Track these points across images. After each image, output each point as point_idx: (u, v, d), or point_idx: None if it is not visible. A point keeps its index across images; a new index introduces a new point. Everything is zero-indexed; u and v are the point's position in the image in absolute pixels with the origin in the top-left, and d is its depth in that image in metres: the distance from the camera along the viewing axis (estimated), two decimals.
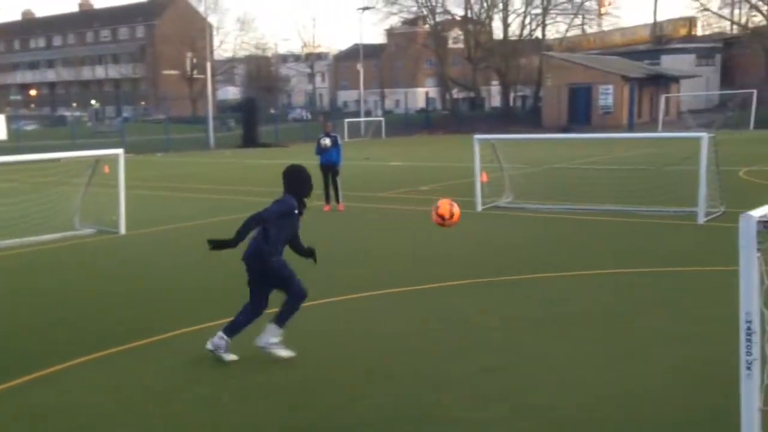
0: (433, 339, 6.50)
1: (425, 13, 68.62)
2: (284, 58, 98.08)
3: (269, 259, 5.88)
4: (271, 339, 5.92)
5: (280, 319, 5.93)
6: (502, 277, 8.75)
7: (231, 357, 5.94)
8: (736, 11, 59.80)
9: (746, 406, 3.50)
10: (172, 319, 7.10)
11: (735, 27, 59.70)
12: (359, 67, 60.76)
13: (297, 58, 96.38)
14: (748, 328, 3.48)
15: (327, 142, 14.81)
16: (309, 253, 6.23)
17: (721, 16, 59.30)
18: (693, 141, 12.98)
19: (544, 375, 5.53)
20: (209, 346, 5.96)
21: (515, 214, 13.81)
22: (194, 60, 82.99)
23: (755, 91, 43.75)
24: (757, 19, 56.85)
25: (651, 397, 5.05)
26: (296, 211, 6.00)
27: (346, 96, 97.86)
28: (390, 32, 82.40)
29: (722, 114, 46.65)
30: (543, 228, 12.32)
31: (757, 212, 3.49)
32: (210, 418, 4.94)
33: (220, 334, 5.96)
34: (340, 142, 15.23)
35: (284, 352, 5.93)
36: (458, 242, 11.30)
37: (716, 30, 64.08)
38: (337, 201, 14.93)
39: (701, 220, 11.95)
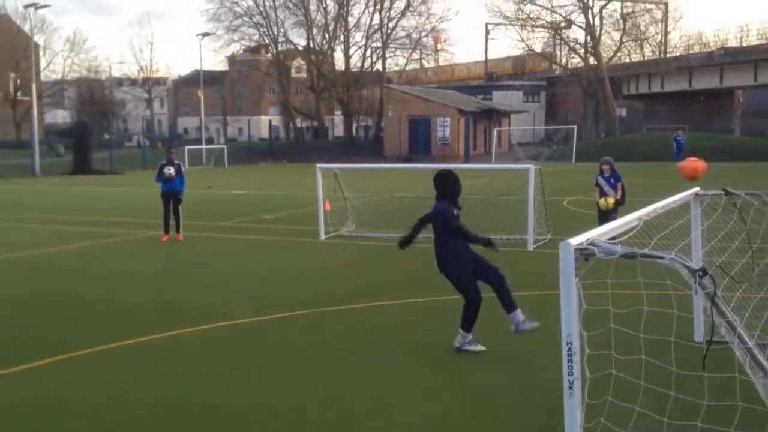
0: (266, 370, 6.39)
1: (267, 41, 68.56)
2: (119, 82, 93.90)
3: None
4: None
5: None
6: (341, 306, 8.80)
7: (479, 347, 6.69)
8: (558, 52, 64.80)
9: (569, 424, 3.72)
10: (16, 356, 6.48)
11: (557, 68, 64.65)
12: (200, 93, 59.43)
13: (133, 82, 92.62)
14: (569, 349, 3.71)
15: (171, 171, 14.26)
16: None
17: (544, 57, 64.02)
18: (522, 172, 13.84)
19: (377, 405, 5.56)
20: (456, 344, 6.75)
21: (357, 243, 14.00)
22: (18, 81, 77.38)
23: (576, 127, 47.53)
24: (576, 61, 62.02)
25: (479, 422, 5.24)
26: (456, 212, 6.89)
27: (186, 122, 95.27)
28: (232, 59, 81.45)
29: (548, 147, 50.21)
30: (382, 257, 12.56)
31: (575, 240, 3.76)
32: None
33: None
34: (183, 170, 14.75)
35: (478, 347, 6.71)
36: (299, 272, 11.28)
37: (541, 69, 69.13)
38: (177, 230, 14.40)
39: (530, 246, 12.72)
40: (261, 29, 66.49)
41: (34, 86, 45.75)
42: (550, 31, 62.32)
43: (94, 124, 59.14)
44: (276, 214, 18.90)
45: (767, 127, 48.93)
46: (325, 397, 5.71)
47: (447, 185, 7.00)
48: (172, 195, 14.37)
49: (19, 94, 77.02)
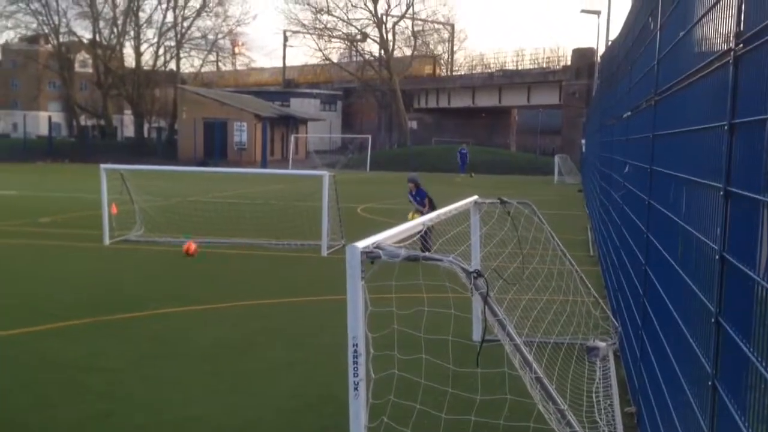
0: (39, 387, 5.85)
1: (47, 31, 63.24)
2: None
3: None
4: None
5: None
6: (124, 314, 8.29)
7: None
8: (354, 63, 66.55)
9: (354, 425, 3.77)
10: None
11: (353, 78, 66.41)
12: None
13: None
14: (355, 351, 3.77)
15: None
16: None
17: (341, 67, 65.47)
18: (317, 179, 13.99)
19: (156, 419, 5.30)
20: None
21: (145, 248, 13.31)
22: None
23: (370, 137, 49.12)
24: (371, 73, 64.10)
25: (265, 427, 5.17)
26: None
27: None
28: (6, 48, 74.13)
29: (344, 155, 51.35)
30: (171, 262, 12.07)
31: (361, 243, 3.83)
32: None
33: None
34: None
35: None
36: (80, 279, 10.49)
37: (338, 78, 70.59)
38: None
39: (324, 252, 12.87)
40: (39, 17, 61.21)
41: None
42: (346, 42, 63.91)
43: None
44: (54, 217, 17.44)
45: (537, 144, 53.86)
46: (100, 413, 5.32)
47: None
48: None
49: None
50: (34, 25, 62.43)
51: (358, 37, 62.58)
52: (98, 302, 8.92)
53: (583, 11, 47.08)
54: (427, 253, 4.33)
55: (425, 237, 7.02)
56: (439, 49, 65.97)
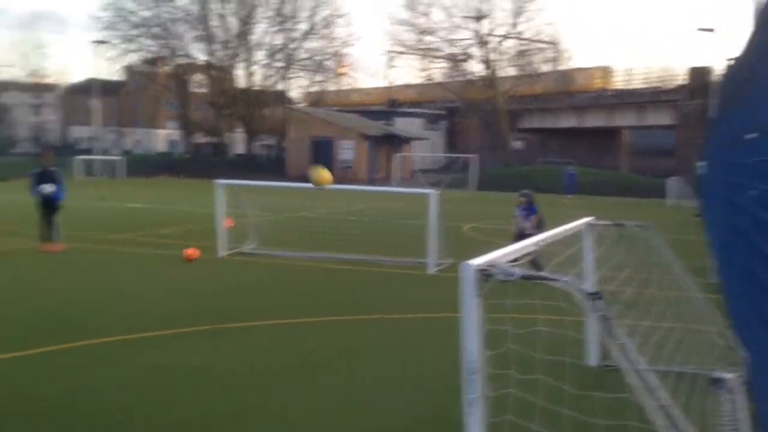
0: (161, 389, 6.19)
1: (166, 54, 66.88)
2: (5, 86, 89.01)
3: None
4: None
5: None
6: (239, 323, 8.62)
7: None
8: (457, 83, 66.61)
9: None
10: None
11: (456, 97, 66.48)
12: (95, 102, 57.20)
13: (21, 87, 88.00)
14: (470, 368, 3.80)
15: (48, 189, 13.53)
16: None
17: (445, 87, 65.68)
18: (423, 197, 14.10)
19: (269, 425, 5.49)
20: None
21: (257, 261, 13.80)
22: None
23: (475, 156, 48.92)
24: (474, 93, 63.92)
25: None
26: None
27: (79, 132, 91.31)
28: (129, 69, 78.89)
29: (448, 175, 51.36)
30: (283, 275, 12.45)
31: (476, 261, 3.88)
32: None
33: None
34: (61, 178, 14.02)
35: None
36: (196, 288, 10.99)
37: (441, 98, 70.85)
38: (51, 239, 13.64)
39: (431, 270, 12.92)
40: (159, 41, 64.84)
41: None
42: (449, 62, 64.04)
43: None
44: (173, 229, 18.36)
45: (649, 166, 52.02)
46: (225, 414, 5.57)
47: None
48: (48, 203, 13.66)
49: None
50: (155, 48, 66.20)
51: (461, 57, 62.64)
52: (214, 311, 9.32)
53: (700, 29, 45.21)
54: (544, 273, 4.30)
55: (537, 258, 6.94)
56: (544, 68, 65.05)
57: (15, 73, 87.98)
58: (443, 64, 65.03)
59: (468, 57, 62.31)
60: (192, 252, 13.28)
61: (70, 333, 7.86)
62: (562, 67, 63.83)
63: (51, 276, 11.83)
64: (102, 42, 58.43)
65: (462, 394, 3.74)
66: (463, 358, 3.74)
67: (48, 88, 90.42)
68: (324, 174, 11.55)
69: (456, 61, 62.86)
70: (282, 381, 6.54)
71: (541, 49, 62.61)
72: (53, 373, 6.53)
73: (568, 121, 62.75)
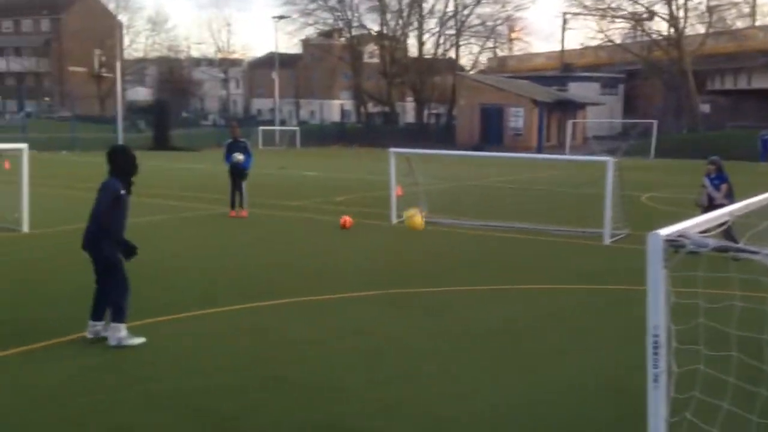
0: (339, 348, 6.47)
1: (341, 26, 68.92)
2: (197, 62, 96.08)
3: (101, 240, 6.24)
4: (119, 336, 6.19)
5: (116, 314, 6.23)
6: (413, 289, 8.81)
7: (139, 339, 6.21)
8: (638, 44, 62.87)
9: (653, 417, 3.64)
10: (74, 320, 6.76)
11: (636, 60, 62.82)
12: (274, 75, 60.25)
13: (210, 62, 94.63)
14: (655, 342, 3.63)
15: (240, 158, 14.48)
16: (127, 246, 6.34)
17: (625, 48, 62.25)
18: (599, 165, 13.53)
19: (443, 387, 5.57)
20: (113, 342, 6.14)
21: (428, 229, 13.97)
22: (103, 58, 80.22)
23: (655, 122, 46.10)
24: (658, 53, 60.02)
25: (548, 409, 5.18)
26: (122, 192, 6.27)
27: (260, 104, 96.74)
28: (306, 43, 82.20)
29: (625, 141, 48.89)
30: (455, 243, 12.52)
31: (664, 231, 3.68)
32: (105, 426, 4.73)
33: (113, 325, 6.17)
34: (249, 147, 15.03)
35: (137, 340, 6.26)
36: (371, 254, 11.35)
37: (620, 60, 67.27)
38: (241, 206, 14.68)
39: (607, 240, 12.44)
40: (335, 13, 66.89)
41: (118, 64, 47.29)
42: (630, 22, 60.50)
43: (173, 103, 60.67)
44: (347, 197, 19.04)
45: None
46: (395, 376, 5.75)
47: (116, 162, 6.43)
48: (238, 171, 14.64)
49: (103, 71, 79.93)
50: (330, 21, 68.46)
51: (645, 15, 58.89)
52: (388, 276, 9.60)
53: None
54: (740, 245, 3.99)
55: (729, 229, 6.44)
56: (738, 25, 59.60)
57: (205, 49, 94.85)
58: (623, 24, 61.58)
59: (652, 15, 58.45)
60: (347, 220, 13.62)
61: (263, 293, 8.43)
62: (759, 22, 58.26)
63: (238, 240, 12.72)
64: (282, 17, 61.26)
65: (645, 367, 3.60)
66: (647, 331, 3.58)
67: (234, 62, 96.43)
68: (415, 220, 11.27)
69: (638, 20, 59.21)
70: (456, 347, 6.62)
71: (735, 3, 57.42)
72: (252, 326, 7.06)
73: (765, 82, 57.22)
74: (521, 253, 11.73)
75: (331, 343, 6.60)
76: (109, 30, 64.29)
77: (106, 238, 6.20)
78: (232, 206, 14.73)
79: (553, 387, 5.58)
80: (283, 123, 64.92)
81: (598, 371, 5.96)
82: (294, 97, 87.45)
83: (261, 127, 50.67)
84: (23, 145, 12.40)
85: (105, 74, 78.32)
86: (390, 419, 4.95)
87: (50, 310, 7.47)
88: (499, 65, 75.36)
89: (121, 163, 6.36)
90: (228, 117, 73.30)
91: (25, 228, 12.07)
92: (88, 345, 6.29)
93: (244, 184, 14.78)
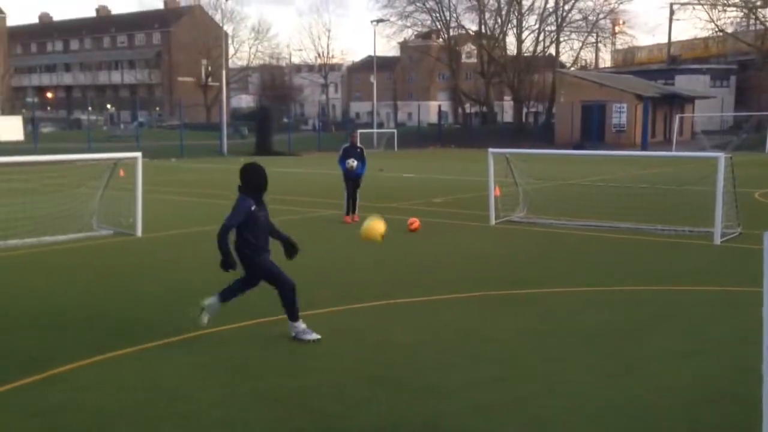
0: (438, 349, 6.49)
1: (439, 27, 68.92)
2: (298, 68, 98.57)
3: (253, 257, 6.60)
4: (297, 330, 6.64)
5: (289, 313, 6.66)
6: (513, 290, 8.73)
7: (315, 335, 6.65)
8: (752, 33, 59.60)
9: (767, 419, 3.48)
10: (187, 320, 7.10)
11: (751, 49, 59.54)
12: (372, 78, 60.95)
13: (311, 68, 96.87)
14: None
15: (353, 164, 14.42)
16: (288, 242, 6.90)
17: (737, 38, 59.18)
18: (706, 161, 12.94)
19: (548, 388, 5.50)
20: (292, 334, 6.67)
21: (529, 229, 13.79)
22: (209, 67, 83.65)
23: None
24: None
25: (653, 412, 5.01)
26: (253, 208, 6.56)
27: (358, 107, 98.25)
28: (404, 45, 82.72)
29: (737, 136, 46.44)
30: (556, 243, 12.29)
31: None
32: (221, 420, 4.95)
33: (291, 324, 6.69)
34: (363, 154, 14.86)
35: (313, 336, 6.63)
36: (470, 255, 11.31)
37: (731, 51, 63.98)
38: (354, 212, 14.74)
39: (717, 240, 11.89)
40: (433, 14, 67.02)
41: (224, 73, 49.25)
42: (743, 10, 57.43)
43: (275, 109, 62.59)
44: (445, 198, 19.04)
45: None
46: (494, 377, 5.72)
47: (247, 179, 6.71)
48: (351, 178, 14.65)
49: (209, 80, 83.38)
50: (428, 22, 68.61)
51: (759, 2, 55.77)
52: (488, 277, 9.54)
53: None
54: None
55: None
56: None
57: (305, 56, 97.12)
58: (735, 13, 58.56)
59: (766, 2, 55.31)
60: (414, 223, 13.42)
61: (364, 294, 8.57)
62: None
63: (346, 243, 12.96)
64: (381, 20, 61.94)
65: (759, 371, 3.44)
66: (763, 333, 3.42)
67: (333, 67, 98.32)
68: (373, 228, 7.68)
69: (752, 8, 56.16)
70: (558, 347, 6.51)
71: None
72: (350, 327, 7.21)
73: None
74: (625, 253, 11.38)
75: (439, 344, 6.63)
76: (215, 40, 66.97)
77: (252, 254, 6.63)
78: (347, 211, 14.75)
79: (659, 390, 5.40)
80: (380, 126, 65.67)
81: (708, 374, 5.72)
82: (391, 100, 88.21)
83: (359, 130, 51.36)
84: (137, 154, 13.08)
85: (211, 83, 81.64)
86: (489, 419, 4.93)
87: (163, 311, 7.86)
88: (602, 60, 73.14)
89: (252, 180, 6.71)
90: (326, 121, 74.78)
91: (139, 232, 12.75)
92: (198, 342, 6.59)
93: (358, 191, 14.76)
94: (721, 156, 12.39)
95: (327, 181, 24.30)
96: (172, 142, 44.09)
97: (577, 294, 8.59)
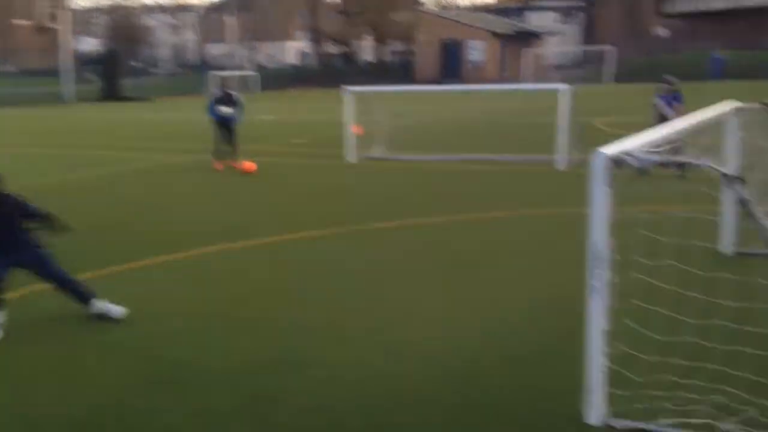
0: (297, 285, 6.50)
1: None
2: (149, 9, 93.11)
3: None
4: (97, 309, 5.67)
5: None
6: (373, 224, 8.83)
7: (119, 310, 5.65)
8: None
9: (592, 328, 3.74)
10: None
11: None
12: (229, 19, 58.71)
13: (163, 9, 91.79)
14: (596, 257, 3.69)
15: (228, 110, 13.57)
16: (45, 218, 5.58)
17: None
18: (554, 93, 13.54)
19: (406, 316, 5.65)
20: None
21: (388, 165, 13.95)
22: (49, 9, 77.30)
23: (614, 48, 46.15)
24: None
25: (506, 330, 5.28)
26: None
27: (215, 49, 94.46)
28: None
29: (583, 69, 48.91)
30: (415, 178, 12.53)
31: (608, 149, 3.71)
32: (70, 372, 4.72)
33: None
34: (239, 100, 13.99)
35: (116, 310, 5.65)
36: (330, 192, 11.32)
37: None
38: (235, 158, 13.70)
39: (561, 167, 12.55)
40: None
41: (65, 14, 45.65)
42: None
43: (124, 51, 58.96)
44: (305, 138, 18.86)
45: None
46: (354, 309, 5.80)
47: None
48: (225, 125, 13.74)
49: (49, 23, 77.13)
50: None
51: None
52: (348, 212, 9.60)
53: None
54: (679, 158, 4.05)
55: (678, 148, 6.49)
56: None
57: None
58: None
59: None
60: (248, 166, 13.16)
61: (231, 235, 8.37)
62: None
63: (209, 186, 12.56)
64: None
65: (588, 283, 3.68)
66: (589, 247, 3.65)
67: (187, 8, 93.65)
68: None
69: None
70: (418, 275, 6.68)
71: None
72: (206, 269, 7.04)
73: (723, 1, 57.19)
74: (479, 183, 11.80)
75: (298, 283, 6.61)
76: None
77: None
78: (217, 158, 13.84)
79: (509, 311, 5.67)
80: (239, 68, 63.62)
81: (551, 292, 6.05)
82: (250, 41, 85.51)
83: (213, 72, 49.48)
84: None
85: (51, 26, 75.59)
86: (348, 349, 4.99)
87: None
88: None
89: None
90: (182, 65, 71.63)
91: None
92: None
93: (234, 137, 13.84)
94: (564, 87, 13.00)
95: (185, 127, 23.40)
96: (5, 88, 40.65)
97: (435, 225, 8.81)
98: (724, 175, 3.42)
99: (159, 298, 6.22)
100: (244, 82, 50.28)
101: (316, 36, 71.02)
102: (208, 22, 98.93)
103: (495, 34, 52.01)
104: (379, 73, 55.89)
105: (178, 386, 4.46)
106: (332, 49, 72.87)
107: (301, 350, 4.96)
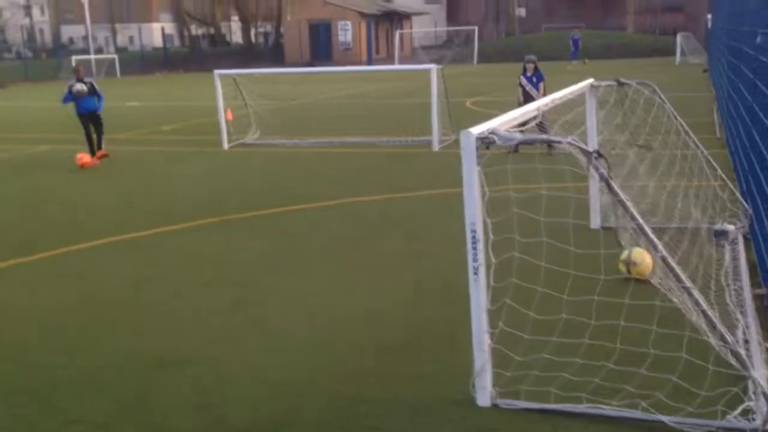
0: (171, 280, 6.32)
1: None
2: None
3: None
4: None
5: None
6: (249, 212, 8.69)
7: None
8: None
9: (475, 307, 3.86)
10: None
11: None
12: None
13: None
14: (473, 237, 3.80)
15: (83, 87, 12.71)
16: None
17: None
18: (425, 73, 13.80)
19: (286, 305, 5.62)
20: None
21: (262, 150, 13.75)
22: None
23: (476, 28, 47.52)
24: None
25: (390, 313, 5.37)
26: None
27: (71, 31, 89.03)
28: None
29: (450, 50, 50.09)
30: (290, 163, 12.43)
31: (476, 129, 3.80)
32: None
33: None
34: (98, 87, 13.23)
35: None
36: (203, 181, 11.04)
37: None
38: (99, 147, 12.97)
39: (436, 147, 12.84)
40: None
41: None
42: None
43: None
44: (175, 125, 18.23)
45: (657, 24, 50.40)
46: (231, 301, 5.70)
47: None
48: (89, 114, 12.98)
49: None
50: None
51: None
52: (221, 201, 9.38)
53: None
54: (543, 136, 4.24)
55: (542, 124, 6.80)
56: None
57: None
58: None
59: None
60: (85, 159, 12.61)
61: (97, 232, 7.96)
62: None
63: (67, 179, 11.88)
64: None
65: (467, 263, 3.78)
66: (466, 227, 3.74)
67: None
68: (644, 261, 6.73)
69: None
70: (296, 264, 6.65)
71: None
72: (66, 272, 6.68)
73: None
74: (353, 166, 11.86)
75: (166, 277, 6.42)
76: None
77: None
78: (92, 151, 12.94)
79: (392, 293, 5.76)
80: (99, 51, 60.32)
81: (436, 273, 6.18)
82: (109, 22, 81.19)
83: (73, 57, 46.76)
84: None
85: None
86: (224, 345, 4.91)
87: None
88: None
89: None
90: (34, 48, 67.10)
91: None
92: None
93: (100, 127, 13.02)
94: (433, 67, 13.28)
95: (41, 115, 22.01)
96: None
97: (313, 210, 8.79)
98: (586, 152, 3.61)
99: (13, 302, 5.86)
100: (103, 66, 47.83)
101: (180, 16, 68.45)
102: (61, 2, 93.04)
103: (363, 15, 52.17)
104: (248, 55, 54.71)
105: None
106: (198, 31, 70.54)
107: (177, 348, 4.83)
